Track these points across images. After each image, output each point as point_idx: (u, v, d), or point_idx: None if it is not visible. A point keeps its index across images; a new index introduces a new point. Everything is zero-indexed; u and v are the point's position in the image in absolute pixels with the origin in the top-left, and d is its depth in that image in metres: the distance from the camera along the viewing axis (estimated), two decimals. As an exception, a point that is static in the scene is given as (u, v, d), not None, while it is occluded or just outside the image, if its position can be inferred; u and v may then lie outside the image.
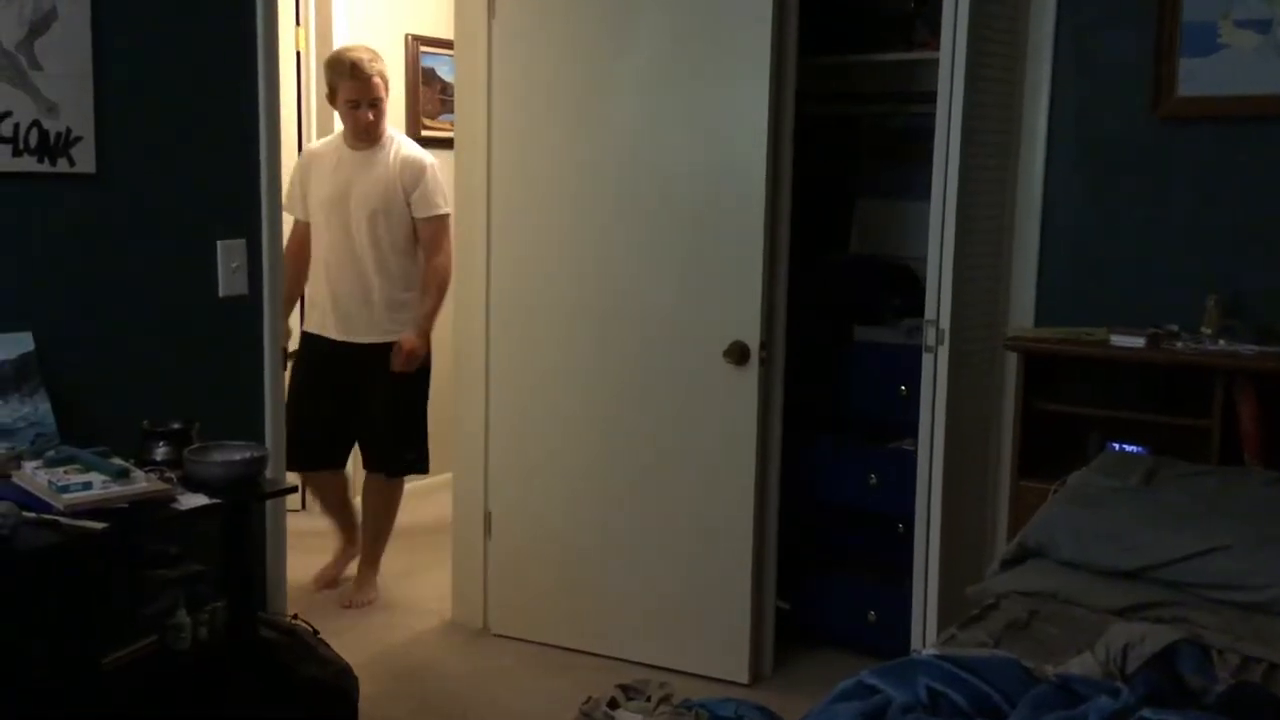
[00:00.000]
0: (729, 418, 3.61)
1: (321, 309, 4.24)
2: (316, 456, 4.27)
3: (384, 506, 4.41)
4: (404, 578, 4.58)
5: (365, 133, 4.11)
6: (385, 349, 4.15)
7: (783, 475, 3.74)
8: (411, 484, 5.61)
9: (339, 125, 4.34)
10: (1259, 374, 3.16)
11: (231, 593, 2.66)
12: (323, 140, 4.50)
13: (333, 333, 4.21)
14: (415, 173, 4.14)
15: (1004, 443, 3.68)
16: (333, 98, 4.16)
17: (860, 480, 3.81)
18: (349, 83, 4.07)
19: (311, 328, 4.29)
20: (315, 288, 4.27)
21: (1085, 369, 3.51)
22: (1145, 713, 1.62)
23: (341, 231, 4.15)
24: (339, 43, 5.11)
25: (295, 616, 3.15)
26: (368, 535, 4.42)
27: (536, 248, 3.86)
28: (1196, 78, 3.43)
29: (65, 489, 2.28)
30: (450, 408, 4.14)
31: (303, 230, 4.27)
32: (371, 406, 4.24)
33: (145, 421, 2.67)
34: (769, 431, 3.67)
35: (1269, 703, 1.79)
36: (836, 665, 3.58)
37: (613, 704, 2.95)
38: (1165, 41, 3.45)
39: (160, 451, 2.62)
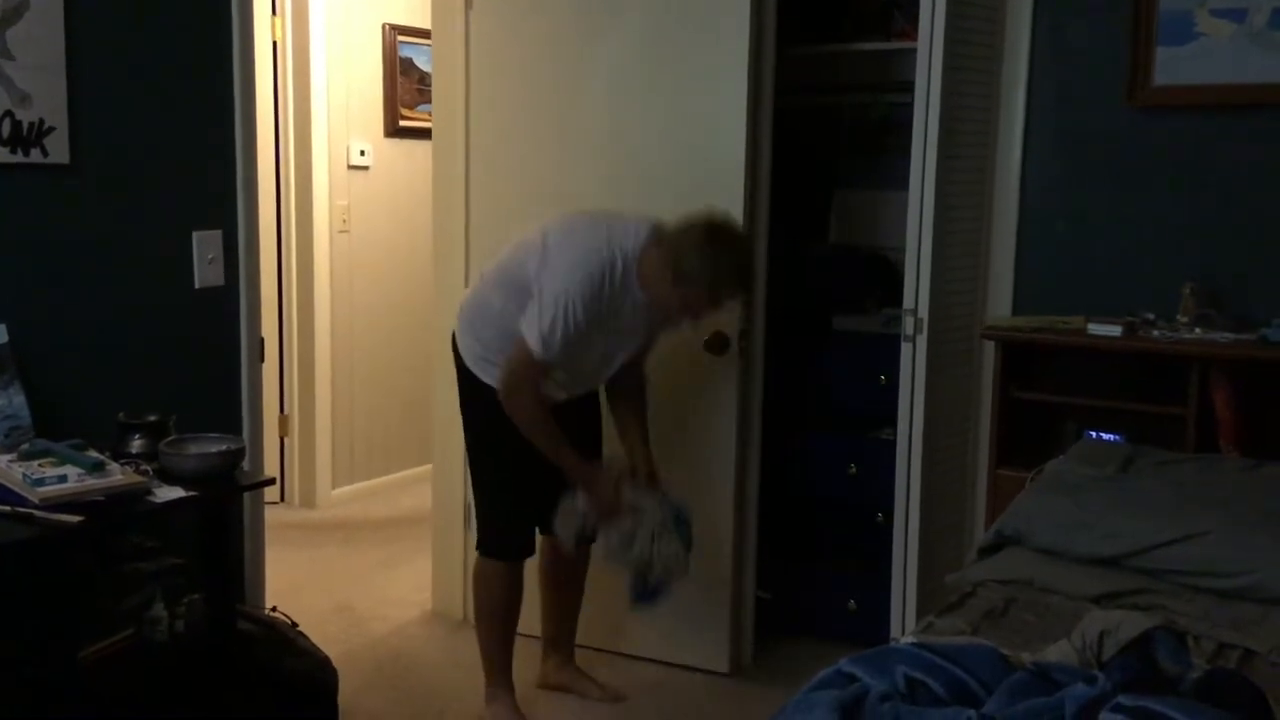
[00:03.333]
0: (709, 407, 3.61)
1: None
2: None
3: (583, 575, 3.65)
4: (383, 569, 4.57)
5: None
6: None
7: (762, 465, 3.75)
8: (392, 476, 5.65)
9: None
10: (1234, 362, 3.18)
11: (209, 585, 2.64)
12: (607, 264, 3.05)
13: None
14: None
15: (982, 431, 3.69)
16: (697, 286, 2.97)
17: (840, 470, 3.83)
18: (735, 300, 3.23)
19: None
20: None
21: (1062, 358, 3.53)
22: (1121, 699, 1.63)
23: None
24: (316, 33, 5.07)
25: (274, 609, 3.14)
26: (575, 611, 3.67)
27: (514, 237, 3.83)
28: (1173, 67, 3.44)
29: (40, 482, 2.27)
30: (427, 399, 4.13)
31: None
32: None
33: (121, 414, 2.66)
34: (749, 421, 3.68)
35: (1244, 688, 1.80)
36: (816, 654, 3.56)
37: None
38: (1142, 31, 3.46)
39: (136, 444, 2.61)
